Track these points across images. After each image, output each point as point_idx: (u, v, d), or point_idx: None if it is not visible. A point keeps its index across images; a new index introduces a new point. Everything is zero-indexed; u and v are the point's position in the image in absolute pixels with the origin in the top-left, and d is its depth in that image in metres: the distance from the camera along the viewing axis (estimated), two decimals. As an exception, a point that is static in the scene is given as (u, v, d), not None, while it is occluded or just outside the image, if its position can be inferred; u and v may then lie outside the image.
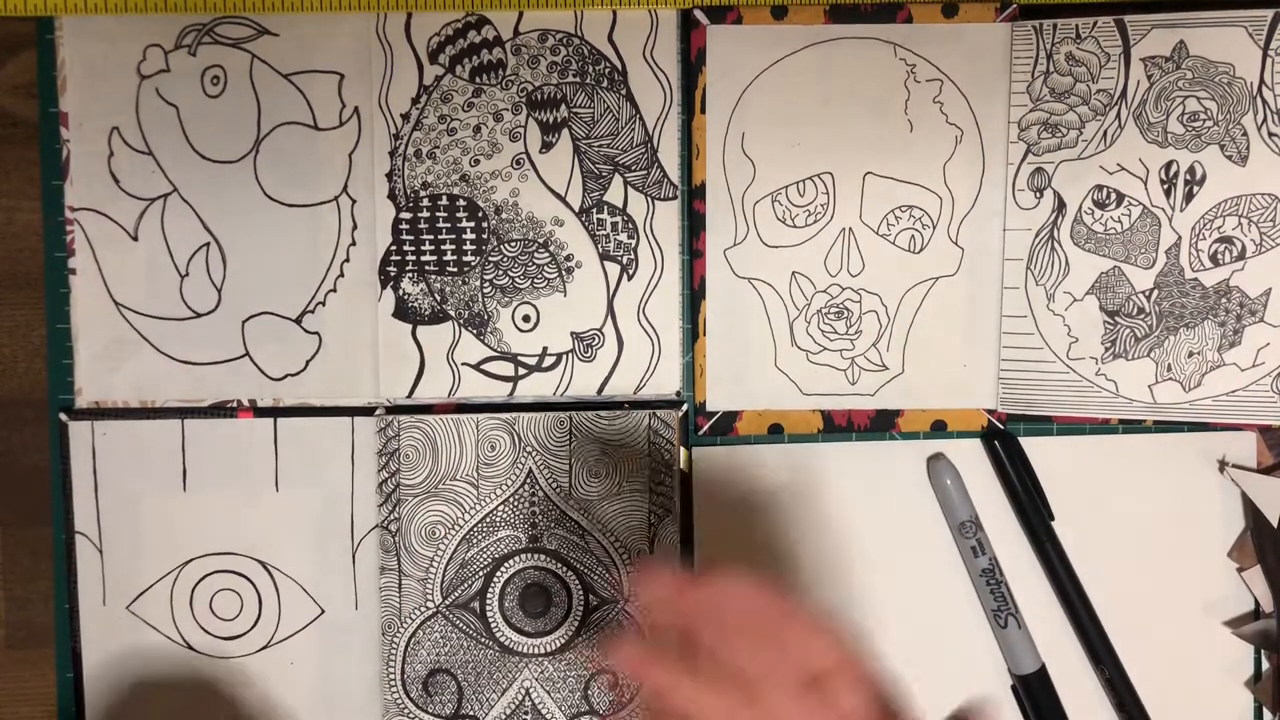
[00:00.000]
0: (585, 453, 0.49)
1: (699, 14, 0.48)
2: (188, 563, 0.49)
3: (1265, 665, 0.51)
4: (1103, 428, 0.51)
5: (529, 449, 0.49)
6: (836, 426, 0.50)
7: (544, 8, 0.48)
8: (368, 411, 0.49)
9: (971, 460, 0.51)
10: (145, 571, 0.49)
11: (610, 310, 0.49)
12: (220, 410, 0.49)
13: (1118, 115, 0.48)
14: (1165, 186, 0.48)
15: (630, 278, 0.49)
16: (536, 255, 0.48)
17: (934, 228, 0.49)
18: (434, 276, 0.49)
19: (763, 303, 0.50)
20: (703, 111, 0.49)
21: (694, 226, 0.49)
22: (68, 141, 0.48)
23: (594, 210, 0.48)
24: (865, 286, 0.50)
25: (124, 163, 0.48)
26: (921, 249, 0.49)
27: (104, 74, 0.48)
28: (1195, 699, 0.51)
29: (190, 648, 0.50)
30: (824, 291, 0.50)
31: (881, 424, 0.50)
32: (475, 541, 0.49)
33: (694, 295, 0.50)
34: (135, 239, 0.49)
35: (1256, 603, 0.51)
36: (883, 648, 0.50)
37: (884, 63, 0.49)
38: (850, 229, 0.49)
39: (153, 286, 0.49)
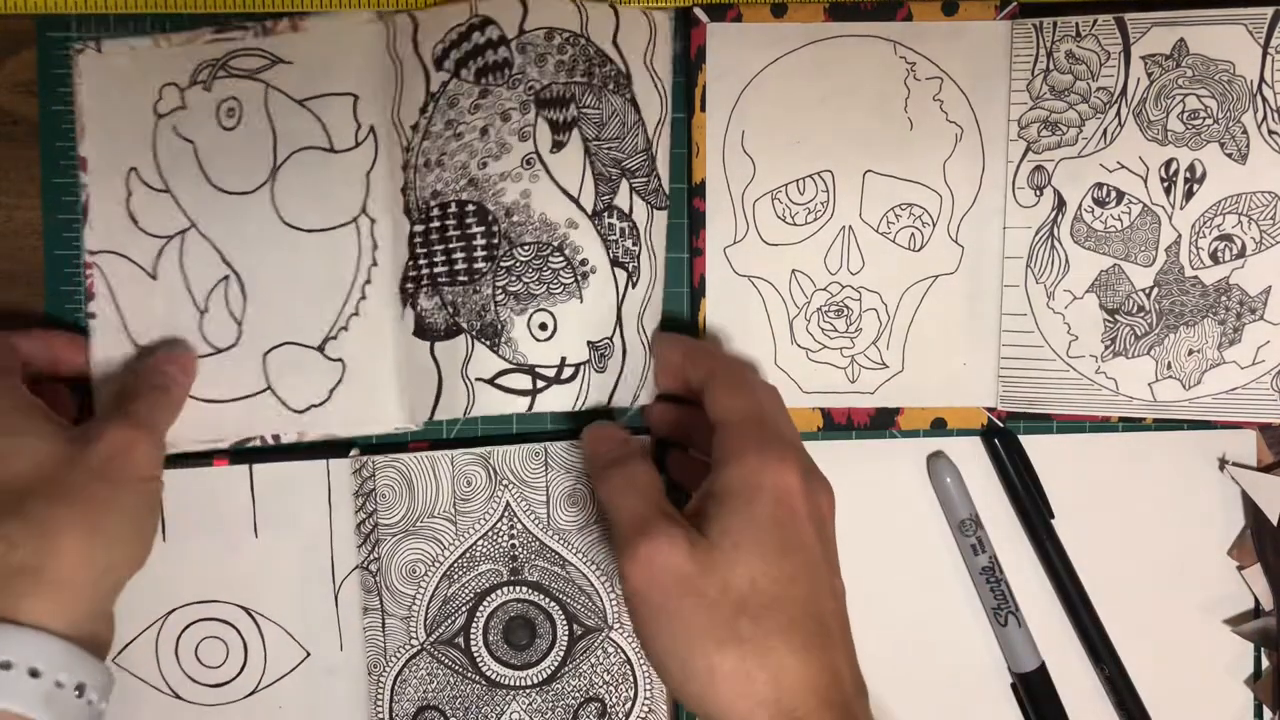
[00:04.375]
0: (562, 482, 0.49)
1: (699, 12, 0.48)
2: (171, 612, 0.49)
3: (1265, 663, 0.51)
4: (1103, 426, 0.51)
5: (505, 482, 0.49)
6: (836, 425, 0.50)
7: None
8: (343, 453, 0.49)
9: (971, 458, 0.51)
10: (129, 623, 0.49)
11: (619, 318, 0.47)
12: (196, 458, 0.48)
13: (1118, 113, 0.48)
14: (1165, 184, 0.48)
15: (634, 286, 0.47)
16: (551, 259, 0.46)
17: (934, 226, 0.49)
18: (446, 288, 0.46)
19: (762, 301, 0.50)
20: (703, 109, 0.49)
21: (694, 224, 0.49)
22: (86, 186, 0.47)
23: (605, 214, 0.47)
24: (865, 284, 0.50)
25: (142, 202, 0.47)
26: (921, 247, 0.49)
27: (120, 116, 0.47)
28: (1195, 697, 0.51)
29: (178, 697, 0.49)
30: (824, 289, 0.50)
31: (881, 422, 0.50)
32: (456, 577, 0.49)
33: (694, 293, 0.50)
34: (154, 278, 0.48)
35: (1256, 601, 0.51)
36: (882, 646, 0.50)
37: (884, 60, 0.48)
38: (850, 227, 0.49)
39: (172, 325, 0.48)
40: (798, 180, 0.49)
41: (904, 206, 0.49)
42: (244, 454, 0.49)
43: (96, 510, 0.40)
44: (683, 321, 0.50)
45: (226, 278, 0.48)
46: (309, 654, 0.50)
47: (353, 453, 0.49)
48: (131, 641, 0.49)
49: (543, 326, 0.46)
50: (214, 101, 0.47)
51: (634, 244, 0.47)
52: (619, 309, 0.47)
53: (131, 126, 0.47)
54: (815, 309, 0.50)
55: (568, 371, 0.46)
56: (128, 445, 0.42)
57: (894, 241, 0.49)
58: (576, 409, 0.46)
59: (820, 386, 0.50)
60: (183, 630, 0.49)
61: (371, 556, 0.49)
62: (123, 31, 0.48)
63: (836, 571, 0.41)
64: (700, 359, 0.45)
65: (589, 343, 0.46)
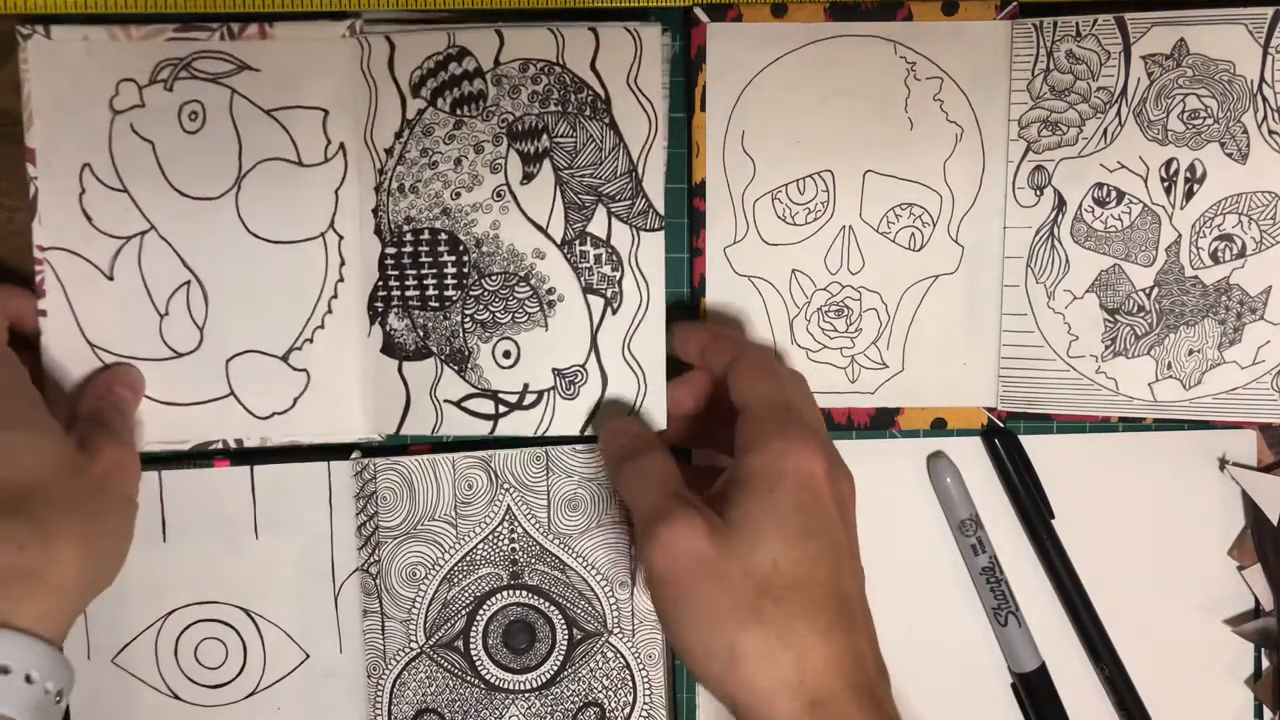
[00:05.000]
0: (563, 487, 0.49)
1: (699, 12, 0.48)
2: (171, 613, 0.49)
3: (1265, 663, 0.51)
4: (1103, 426, 0.51)
5: (506, 486, 0.49)
6: (836, 425, 0.50)
7: (542, 3, 0.47)
8: (344, 455, 0.49)
9: (971, 458, 0.51)
10: (129, 624, 0.49)
11: (594, 345, 0.47)
12: (197, 459, 0.48)
13: (1118, 113, 0.48)
14: (1165, 184, 0.48)
15: (615, 312, 0.47)
16: (518, 289, 0.47)
17: (934, 225, 0.49)
18: (417, 312, 0.47)
19: (763, 301, 0.50)
20: (703, 109, 0.49)
21: (694, 224, 0.49)
22: (35, 179, 0.46)
23: (576, 242, 0.47)
24: (865, 284, 0.50)
25: (97, 200, 0.47)
26: (921, 247, 0.49)
27: (73, 109, 0.46)
28: (1195, 697, 0.51)
29: (177, 698, 0.49)
30: (824, 289, 0.50)
31: (881, 422, 0.50)
32: (456, 581, 0.49)
33: (694, 293, 0.50)
34: (110, 278, 0.47)
35: (1256, 601, 0.51)
36: (882, 646, 0.50)
37: (884, 60, 0.48)
38: (850, 227, 0.49)
39: (130, 327, 0.47)
40: (798, 180, 0.49)
41: (904, 206, 0.49)
42: (245, 455, 0.49)
43: (94, 523, 0.40)
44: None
45: (188, 283, 0.47)
46: (308, 656, 0.50)
47: (354, 455, 0.49)
48: (131, 642, 0.49)
49: (506, 354, 0.47)
50: (176, 103, 0.47)
51: (613, 269, 0.47)
52: (594, 336, 0.47)
53: (85, 120, 0.46)
54: (815, 309, 0.50)
55: (530, 398, 0.47)
56: (122, 464, 0.43)
57: (894, 241, 0.49)
58: (539, 434, 0.47)
59: (820, 386, 0.50)
60: (182, 631, 0.49)
61: (372, 559, 0.49)
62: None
63: (857, 556, 0.41)
64: (722, 345, 0.45)
65: (555, 370, 0.47)
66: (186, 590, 0.49)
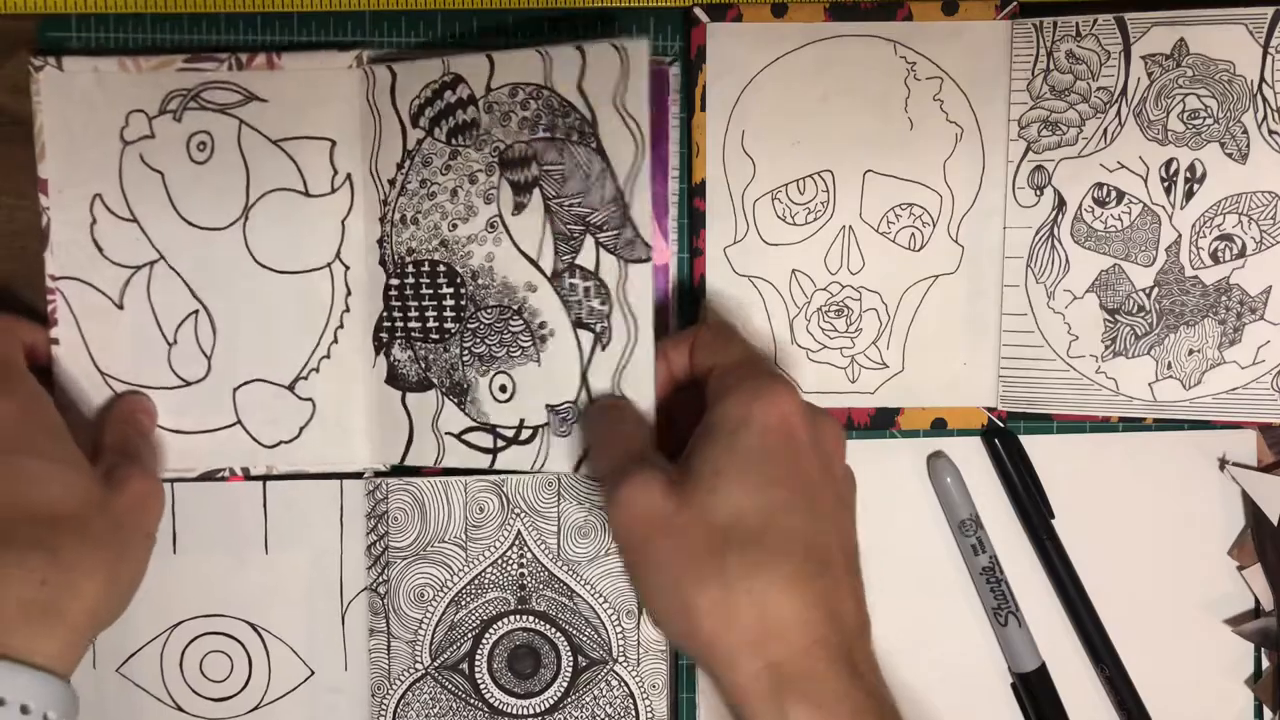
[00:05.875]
0: (574, 514, 0.49)
1: (699, 12, 0.48)
2: (177, 624, 0.49)
3: (1265, 663, 0.51)
4: (1103, 426, 0.51)
5: (517, 511, 0.49)
6: (836, 424, 0.50)
7: (541, 2, 0.47)
8: (356, 474, 0.49)
9: (972, 458, 0.51)
10: (135, 634, 0.49)
11: (584, 382, 0.45)
12: (209, 474, 0.49)
13: (1118, 113, 0.48)
14: (1165, 184, 0.48)
15: (604, 347, 0.44)
16: (511, 323, 0.46)
17: (934, 225, 0.49)
18: (419, 344, 0.47)
19: (763, 301, 0.50)
20: (703, 109, 0.49)
21: (694, 224, 0.49)
22: (47, 209, 0.47)
23: (566, 274, 0.45)
24: (865, 284, 0.50)
25: (107, 230, 0.47)
26: (922, 247, 0.49)
27: (85, 140, 0.47)
28: (1195, 697, 0.51)
29: (180, 709, 0.49)
30: (824, 289, 0.50)
31: (881, 422, 0.50)
32: (464, 603, 0.49)
33: (694, 293, 0.50)
34: (120, 307, 0.47)
35: (1256, 601, 0.51)
36: (881, 646, 0.50)
37: (884, 60, 0.48)
38: (850, 227, 0.49)
39: (139, 355, 0.47)
40: (798, 180, 0.49)
41: (904, 206, 0.49)
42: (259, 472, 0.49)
43: (116, 561, 0.40)
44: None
45: (196, 312, 0.48)
46: (313, 673, 0.50)
47: (366, 474, 0.49)
48: (137, 651, 0.49)
49: (502, 388, 0.46)
50: (184, 133, 0.47)
51: (602, 303, 0.44)
52: (584, 373, 0.45)
53: (96, 151, 0.47)
54: (815, 309, 0.50)
55: (526, 433, 0.46)
56: (145, 498, 0.43)
57: (894, 241, 0.49)
58: (535, 470, 0.46)
59: (820, 387, 0.50)
60: (189, 643, 0.49)
61: (380, 579, 0.49)
62: (122, 31, 0.48)
63: (846, 507, 0.39)
64: (677, 341, 0.44)
65: (548, 406, 0.46)
66: (194, 602, 0.49)
